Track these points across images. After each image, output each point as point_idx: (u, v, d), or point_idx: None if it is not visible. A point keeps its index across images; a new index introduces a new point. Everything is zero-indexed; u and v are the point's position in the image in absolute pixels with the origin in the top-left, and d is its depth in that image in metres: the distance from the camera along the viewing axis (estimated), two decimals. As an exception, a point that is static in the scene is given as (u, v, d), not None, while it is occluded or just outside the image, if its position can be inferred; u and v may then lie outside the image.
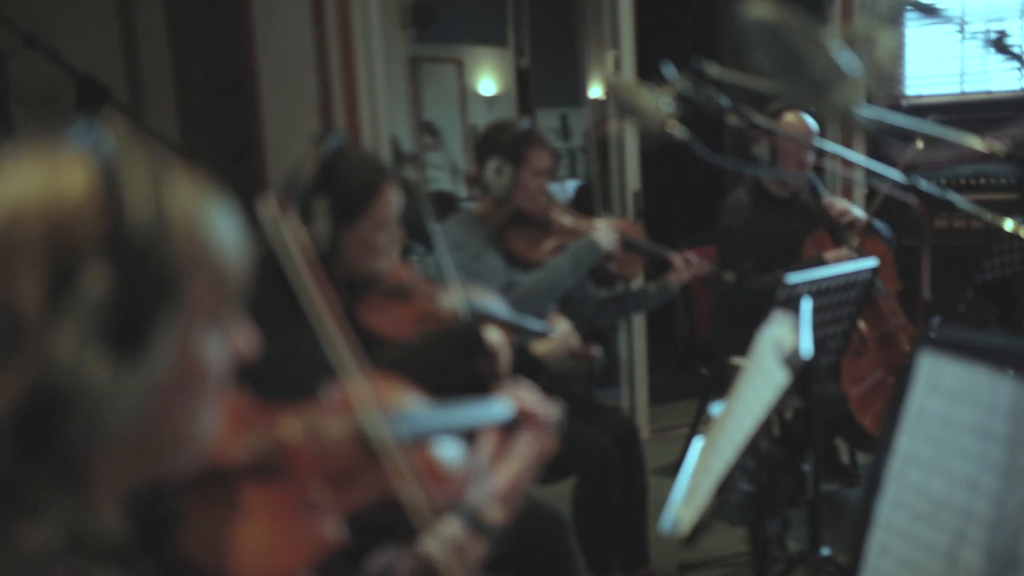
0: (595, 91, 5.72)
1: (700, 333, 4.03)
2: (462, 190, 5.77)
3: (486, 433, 1.36)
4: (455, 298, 2.37)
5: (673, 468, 4.07)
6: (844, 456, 3.98)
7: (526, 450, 1.36)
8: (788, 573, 2.91)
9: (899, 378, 1.30)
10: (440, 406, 1.30)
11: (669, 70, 1.99)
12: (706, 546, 3.38)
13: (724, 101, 2.14)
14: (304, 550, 0.96)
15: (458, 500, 1.23)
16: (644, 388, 4.68)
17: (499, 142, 3.03)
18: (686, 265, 3.17)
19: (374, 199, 2.15)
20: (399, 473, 1.05)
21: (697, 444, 2.28)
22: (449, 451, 1.25)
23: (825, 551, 2.73)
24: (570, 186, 6.65)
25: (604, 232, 3.09)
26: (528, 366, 2.71)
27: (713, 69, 1.96)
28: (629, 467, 3.02)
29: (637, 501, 3.09)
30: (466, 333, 2.23)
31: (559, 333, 2.76)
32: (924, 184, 2.22)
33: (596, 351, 2.89)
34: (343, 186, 2.13)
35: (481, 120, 6.10)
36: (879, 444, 1.31)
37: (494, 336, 2.29)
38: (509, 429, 1.37)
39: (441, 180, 5.68)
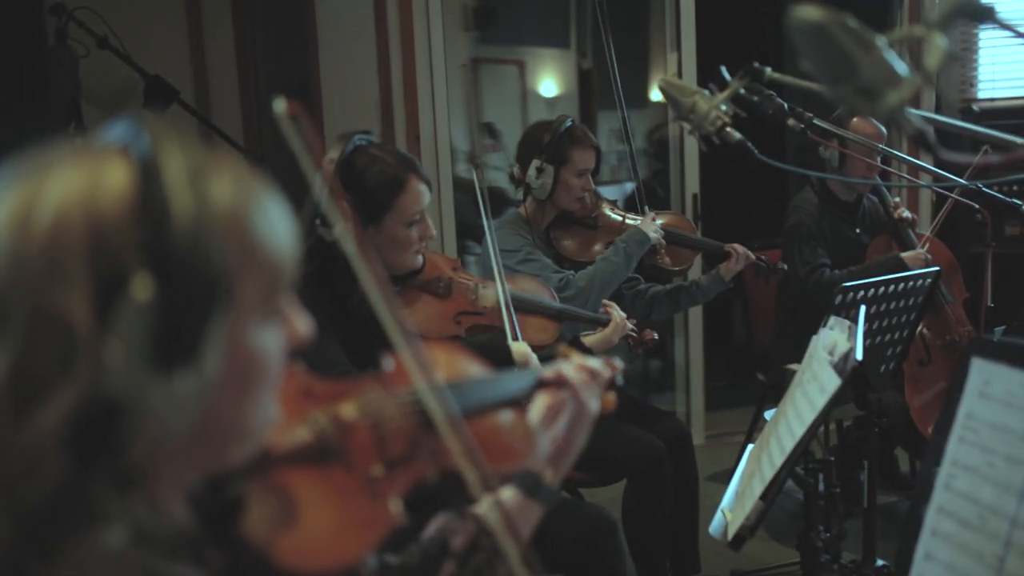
0: (656, 94, 5.69)
1: (759, 339, 3.98)
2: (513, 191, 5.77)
3: (538, 396, 1.34)
4: (498, 292, 2.36)
5: (726, 475, 4.02)
6: (904, 466, 3.91)
7: (577, 411, 1.32)
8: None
9: (951, 384, 1.28)
10: (492, 374, 1.29)
11: (726, 72, 1.97)
12: (757, 555, 3.34)
13: (783, 105, 2.12)
14: (369, 530, 0.96)
15: (516, 468, 1.22)
16: (700, 394, 4.63)
17: (540, 142, 3.00)
18: (738, 254, 3.13)
19: (400, 194, 2.12)
20: (458, 445, 1.03)
21: (749, 450, 2.26)
22: (508, 419, 1.24)
23: (880, 562, 2.68)
24: (628, 187, 6.61)
25: (650, 224, 3.07)
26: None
27: (769, 72, 1.94)
28: (681, 473, 3.00)
29: (689, 507, 3.06)
30: (492, 347, 2.20)
31: (612, 320, 2.73)
32: (989, 190, 2.18)
33: (653, 335, 2.86)
34: (367, 183, 2.10)
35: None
36: (930, 450, 1.29)
37: (521, 348, 2.28)
38: (560, 391, 1.34)
39: (500, 182, 5.69)
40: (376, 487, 1.00)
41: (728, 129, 1.91)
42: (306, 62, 4.20)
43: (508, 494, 1.24)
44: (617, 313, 2.76)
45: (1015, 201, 2.15)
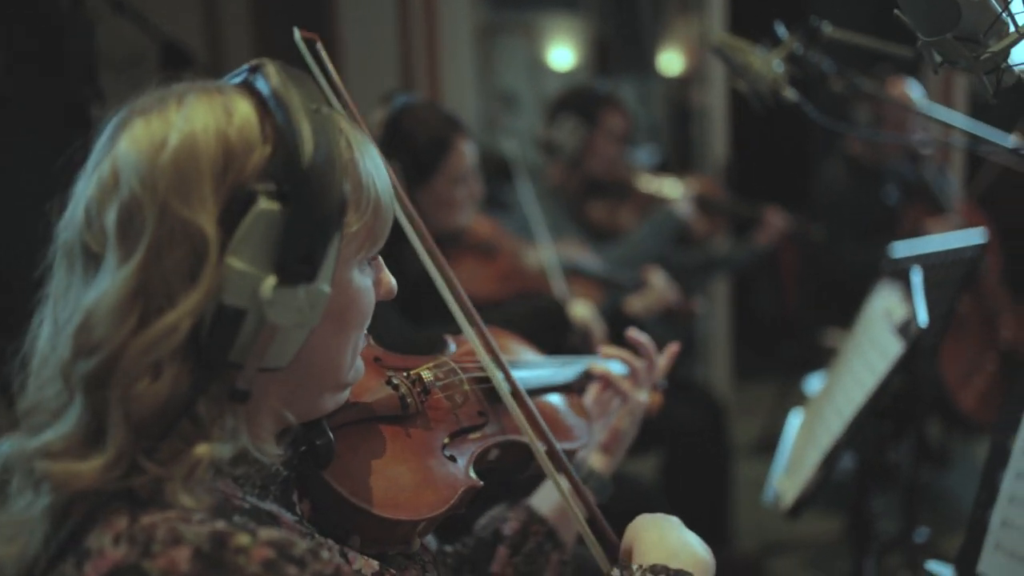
0: (675, 61, 5.62)
1: (787, 308, 3.94)
2: (532, 157, 5.72)
3: (593, 386, 1.37)
4: (542, 254, 2.32)
5: (751, 447, 4.00)
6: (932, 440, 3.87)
7: (630, 403, 1.35)
8: (881, 557, 2.81)
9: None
10: (554, 359, 1.33)
11: (781, 30, 1.90)
12: (789, 529, 3.31)
13: (830, 65, 2.05)
14: (447, 488, 0.97)
15: (578, 450, 1.22)
16: (725, 364, 4.58)
17: (573, 102, 2.93)
18: (775, 222, 3.07)
19: (447, 154, 2.08)
20: (524, 420, 1.06)
21: (796, 418, 2.22)
22: (561, 400, 1.27)
23: (920, 536, 2.63)
24: (650, 154, 6.54)
25: (682, 201, 3.00)
26: (623, 326, 2.61)
27: (828, 29, 1.87)
28: (715, 444, 2.96)
29: (721, 479, 3.02)
30: (551, 310, 2.17)
31: (655, 287, 2.68)
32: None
33: (698, 305, 2.80)
34: (414, 144, 2.06)
35: (556, 87, 6.02)
36: (1002, 416, 1.25)
37: (581, 310, 2.24)
38: (612, 383, 1.37)
39: (513, 148, 5.64)
40: (452, 450, 1.04)
41: (784, 89, 1.85)
42: (324, 28, 4.12)
43: (561, 482, 1.23)
44: (658, 280, 2.69)
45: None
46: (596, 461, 1.32)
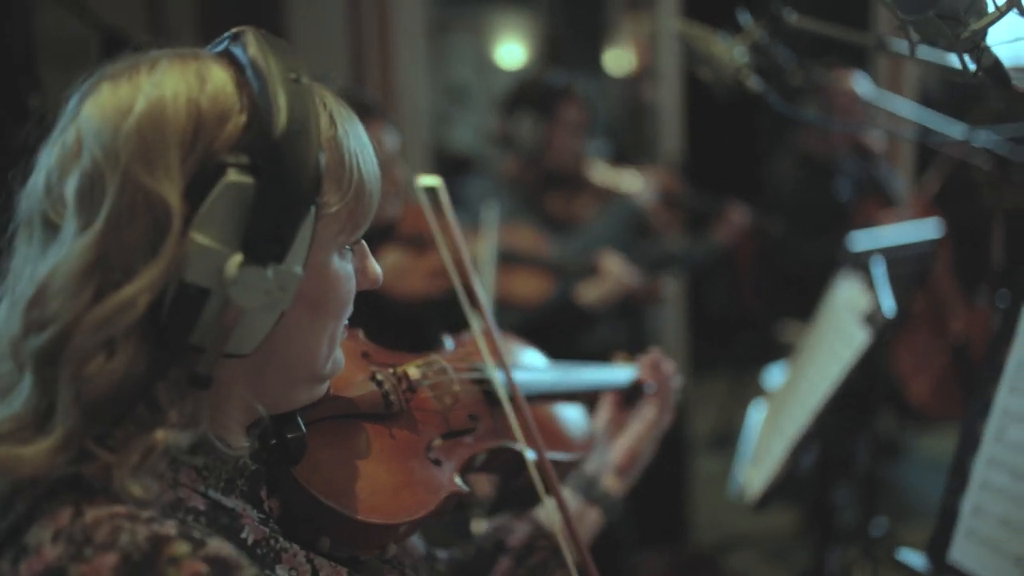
0: (625, 57, 5.63)
1: (742, 301, 3.95)
2: (485, 151, 5.68)
3: (606, 399, 1.30)
4: (480, 245, 2.25)
5: (705, 441, 4.02)
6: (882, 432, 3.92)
7: (647, 420, 1.27)
8: (843, 549, 2.83)
9: (996, 335, 1.23)
10: (562, 366, 1.25)
11: (744, 17, 1.89)
12: (746, 523, 3.32)
13: (788, 56, 2.04)
14: (427, 493, 0.91)
15: (575, 463, 1.16)
16: (680, 359, 4.57)
17: (530, 95, 2.85)
18: (735, 219, 3.06)
19: None
20: (518, 425, 1.00)
21: (758, 410, 2.21)
22: (569, 413, 1.20)
23: (878, 527, 2.64)
24: (603, 148, 6.54)
25: (644, 192, 2.97)
26: (575, 317, 2.53)
27: (791, 17, 1.86)
28: (673, 439, 2.94)
29: (680, 474, 3.01)
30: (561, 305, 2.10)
31: (610, 272, 2.60)
32: (997, 143, 2.13)
33: (662, 287, 2.73)
34: None
35: (506, 82, 5.99)
36: (974, 403, 1.24)
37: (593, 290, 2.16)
38: (631, 398, 1.29)
39: (463, 143, 5.61)
40: (437, 453, 0.98)
41: (748, 78, 1.83)
42: (273, 23, 4.04)
43: (568, 495, 1.19)
44: (613, 264, 2.62)
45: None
46: (610, 483, 1.23)
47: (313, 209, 0.74)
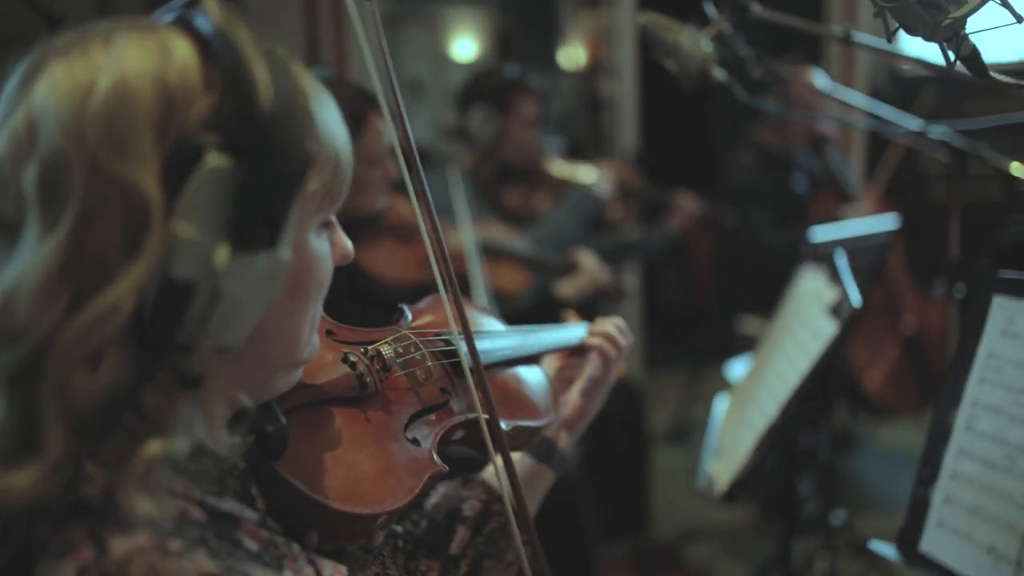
0: (580, 53, 5.64)
1: (699, 295, 3.97)
2: (442, 146, 5.62)
3: (555, 356, 1.26)
4: (462, 237, 2.25)
5: (663, 435, 4.03)
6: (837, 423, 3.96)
7: (592, 379, 1.23)
8: (804, 539, 2.85)
9: (965, 325, 1.24)
10: (519, 329, 1.22)
11: (710, 8, 1.88)
12: (705, 516, 3.34)
13: (748, 49, 2.04)
14: (411, 475, 0.88)
15: (542, 428, 1.13)
16: (637, 352, 4.58)
17: (484, 89, 2.83)
18: (686, 206, 3.08)
19: (360, 132, 1.91)
20: (484, 392, 0.95)
21: (722, 403, 2.21)
22: (534, 378, 1.17)
23: (837, 518, 2.67)
24: (561, 142, 6.52)
25: (601, 183, 2.97)
26: (554, 310, 2.54)
27: (756, 9, 1.86)
28: (633, 432, 2.95)
29: (640, 467, 3.02)
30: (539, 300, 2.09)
31: (585, 269, 2.61)
32: (954, 137, 2.16)
33: (630, 286, 2.76)
34: None
35: (461, 77, 5.95)
36: (944, 393, 1.25)
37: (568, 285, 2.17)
38: (578, 354, 1.26)
39: (418, 137, 5.57)
40: (414, 432, 0.94)
41: (713, 69, 1.83)
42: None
43: (518, 458, 1.16)
44: (589, 261, 2.63)
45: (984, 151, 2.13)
46: (560, 439, 1.21)
47: (298, 189, 0.69)
